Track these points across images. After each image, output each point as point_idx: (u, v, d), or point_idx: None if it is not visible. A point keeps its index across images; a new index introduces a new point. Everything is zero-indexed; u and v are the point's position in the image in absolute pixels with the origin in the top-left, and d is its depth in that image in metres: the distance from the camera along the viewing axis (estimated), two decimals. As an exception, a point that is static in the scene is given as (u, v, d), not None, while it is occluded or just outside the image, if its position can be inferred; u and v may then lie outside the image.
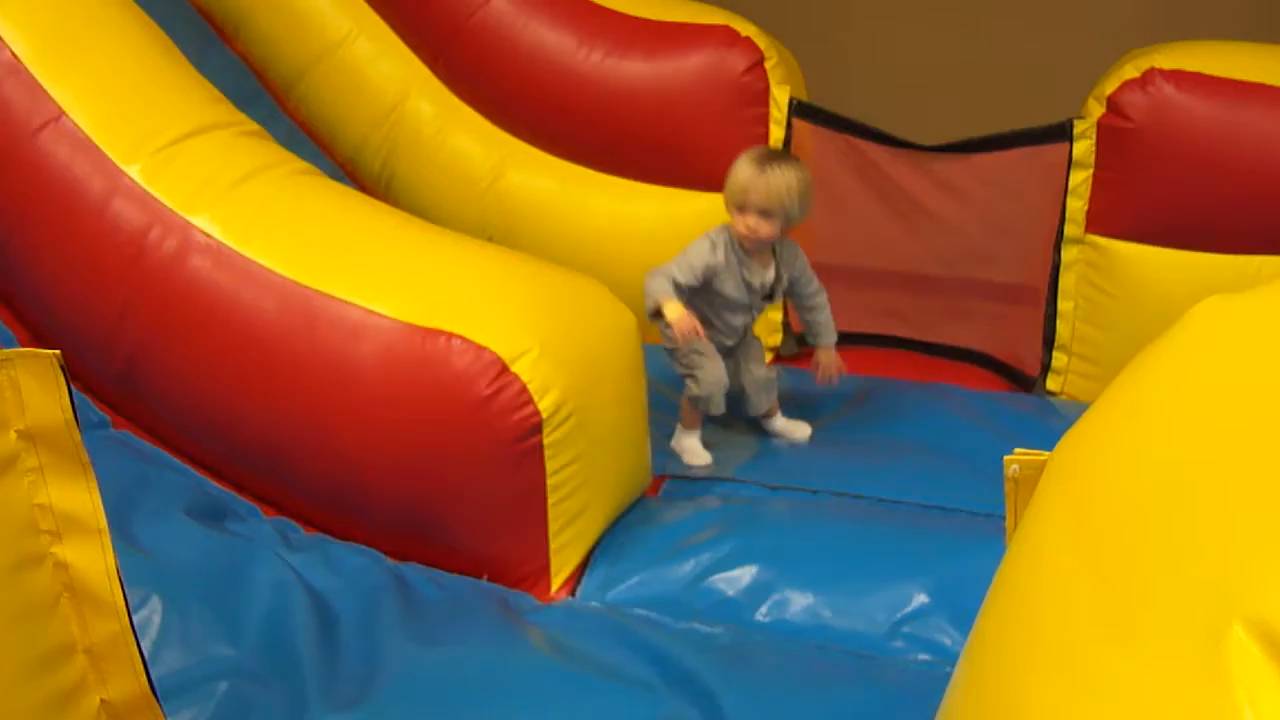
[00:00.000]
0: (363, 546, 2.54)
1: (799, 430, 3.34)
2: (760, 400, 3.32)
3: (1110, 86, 3.33)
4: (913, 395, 3.46)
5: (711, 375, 3.15)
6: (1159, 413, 1.06)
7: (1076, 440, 1.17)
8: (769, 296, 3.20)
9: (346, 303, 2.50)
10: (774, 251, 3.14)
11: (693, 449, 3.18)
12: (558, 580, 2.54)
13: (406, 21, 3.84)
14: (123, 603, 1.47)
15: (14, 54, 2.70)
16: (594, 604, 2.49)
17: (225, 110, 2.86)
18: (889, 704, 2.13)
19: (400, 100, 3.84)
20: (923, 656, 2.36)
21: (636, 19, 3.70)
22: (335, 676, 2.18)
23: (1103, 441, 1.12)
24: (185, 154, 2.68)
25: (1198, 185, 3.32)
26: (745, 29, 3.63)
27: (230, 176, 2.67)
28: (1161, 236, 3.38)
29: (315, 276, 2.54)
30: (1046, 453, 1.21)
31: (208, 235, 2.58)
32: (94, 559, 1.45)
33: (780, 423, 3.36)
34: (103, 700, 1.48)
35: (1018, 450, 1.27)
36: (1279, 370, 0.98)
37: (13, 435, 1.37)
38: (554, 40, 3.69)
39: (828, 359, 3.26)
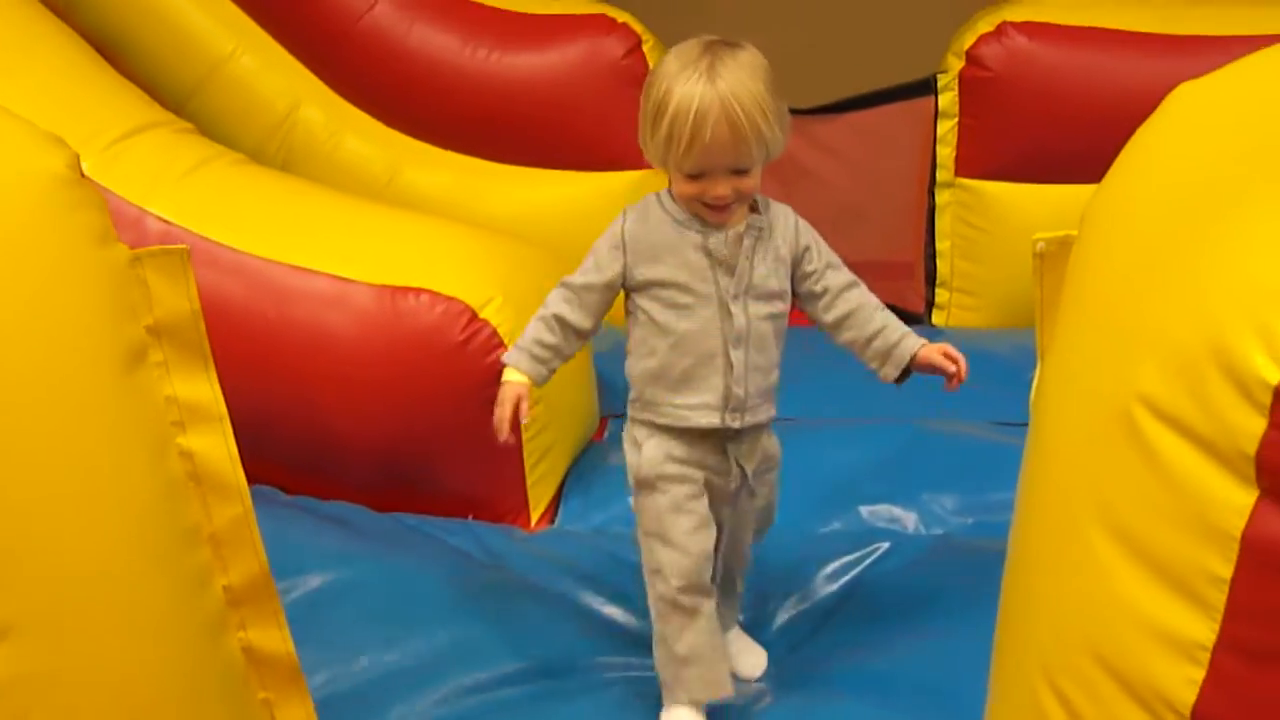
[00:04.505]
0: (347, 503, 2.67)
1: (752, 661, 2.27)
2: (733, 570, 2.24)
3: (967, 41, 3.65)
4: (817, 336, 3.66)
5: (675, 536, 2.02)
6: (1137, 191, 1.30)
7: (1089, 214, 1.39)
8: (761, 296, 2.00)
9: (313, 273, 2.64)
10: (756, 209, 2.03)
11: None
12: (536, 512, 2.71)
13: (290, 33, 3.95)
14: (245, 484, 1.60)
15: (-49, 64, 2.78)
16: (578, 528, 2.66)
17: (158, 110, 2.99)
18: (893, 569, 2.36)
19: (291, 109, 3.95)
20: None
21: (517, 14, 3.87)
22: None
23: (1098, 219, 1.35)
24: (131, 150, 2.79)
25: (1053, 124, 3.64)
26: (620, 16, 3.84)
27: (179, 168, 2.79)
28: (1025, 173, 3.69)
29: (279, 251, 2.67)
30: (1073, 232, 1.42)
31: (166, 222, 2.68)
32: (217, 445, 1.57)
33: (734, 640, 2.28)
34: (225, 586, 1.59)
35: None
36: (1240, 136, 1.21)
37: (142, 329, 1.49)
38: (439, 41, 3.84)
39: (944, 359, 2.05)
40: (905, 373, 2.07)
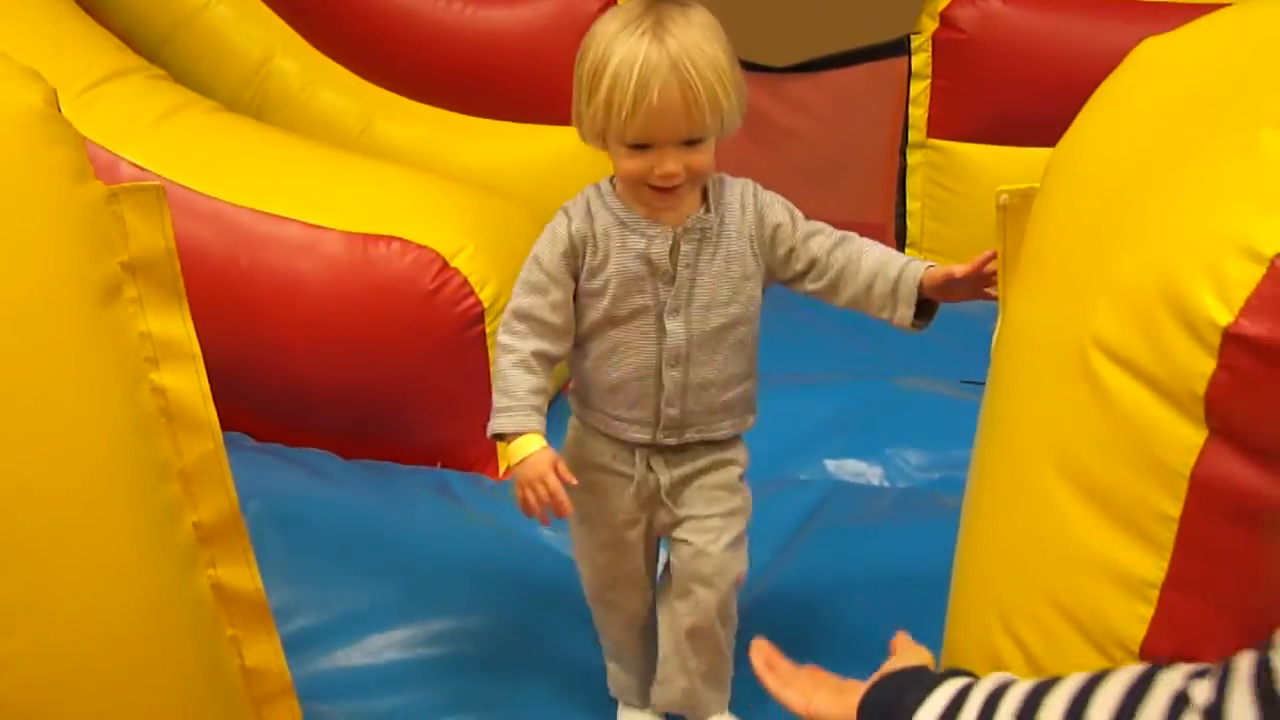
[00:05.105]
0: (316, 450, 2.69)
1: None
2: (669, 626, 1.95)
3: (942, 3, 3.67)
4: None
5: (588, 557, 1.97)
6: (1099, 142, 1.33)
7: (1052, 166, 1.42)
8: (707, 307, 1.76)
9: (285, 219, 2.65)
10: (706, 201, 1.77)
11: None
12: (505, 462, 2.73)
13: (266, -17, 3.95)
14: (216, 422, 1.61)
15: (-80, 13, 2.77)
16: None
17: (132, 56, 2.99)
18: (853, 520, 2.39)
19: (266, 60, 3.93)
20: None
21: (492, -33, 3.88)
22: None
23: (1060, 171, 1.38)
24: (105, 96, 2.79)
25: (1026, 87, 3.66)
26: (596, -29, 3.84)
27: (152, 114, 2.80)
28: (996, 136, 3.71)
29: (251, 198, 2.68)
30: (1034, 185, 1.45)
31: (139, 168, 2.69)
32: (189, 382, 1.59)
33: None
34: (194, 523, 1.60)
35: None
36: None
37: (117, 266, 1.50)
38: (414, -7, 3.85)
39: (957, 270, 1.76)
40: (926, 308, 1.78)
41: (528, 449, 1.77)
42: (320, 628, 2.13)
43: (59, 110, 1.43)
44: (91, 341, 1.44)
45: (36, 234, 1.38)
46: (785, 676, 1.44)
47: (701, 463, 1.86)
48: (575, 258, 1.77)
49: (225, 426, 2.78)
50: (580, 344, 1.83)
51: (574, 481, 1.74)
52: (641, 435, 1.83)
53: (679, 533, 1.88)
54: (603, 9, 3.76)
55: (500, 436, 1.82)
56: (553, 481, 1.73)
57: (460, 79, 3.87)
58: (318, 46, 3.96)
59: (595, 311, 1.78)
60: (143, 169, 2.67)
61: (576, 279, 1.77)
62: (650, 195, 1.71)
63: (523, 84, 3.82)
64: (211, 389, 2.70)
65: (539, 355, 1.79)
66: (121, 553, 1.45)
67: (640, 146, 1.66)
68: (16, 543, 1.32)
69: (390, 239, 2.60)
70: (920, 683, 1.22)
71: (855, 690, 1.31)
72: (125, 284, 1.51)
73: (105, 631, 1.41)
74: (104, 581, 1.41)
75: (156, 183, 1.51)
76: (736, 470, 1.90)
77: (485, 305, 2.60)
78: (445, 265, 2.59)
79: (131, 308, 1.52)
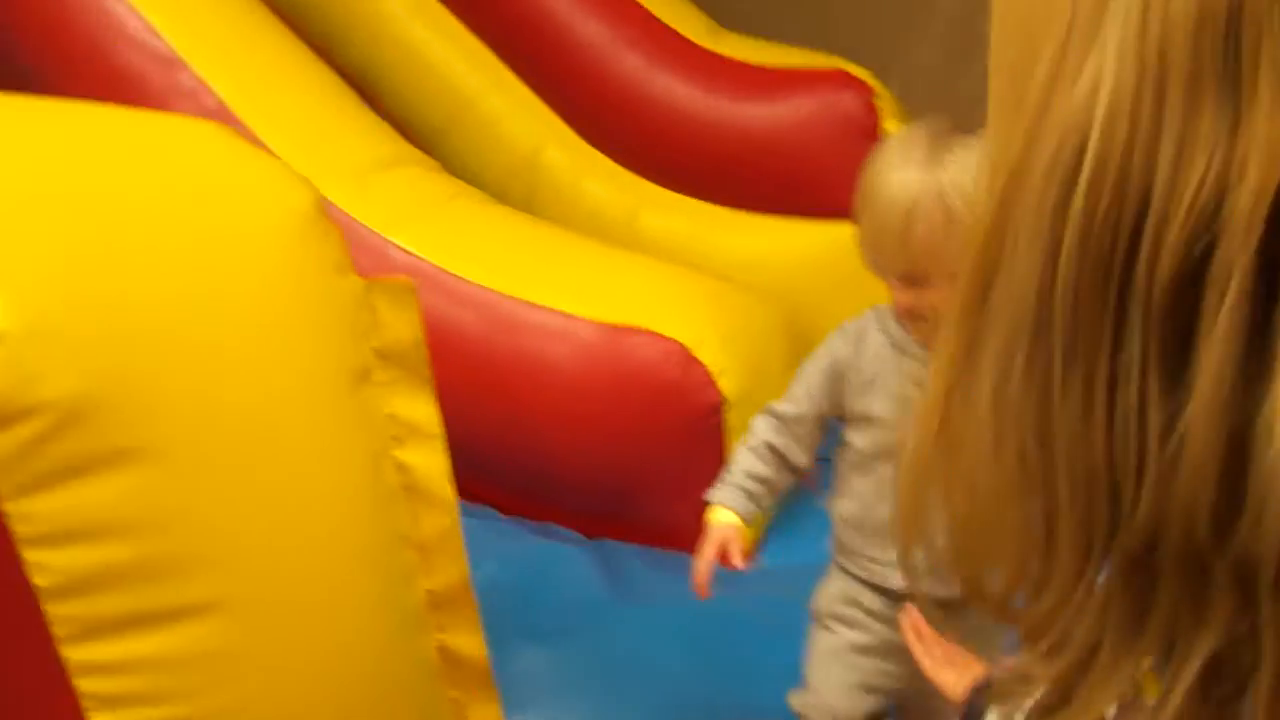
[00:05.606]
0: (557, 526, 2.82)
1: None
2: None
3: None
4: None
5: (821, 684, 1.87)
6: None
7: None
8: None
9: (544, 308, 2.80)
10: None
11: None
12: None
13: (538, 76, 4.14)
14: (454, 499, 1.73)
15: (218, 97, 3.00)
16: (782, 565, 2.75)
17: (408, 147, 3.19)
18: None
19: (536, 151, 4.12)
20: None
21: (755, 67, 3.99)
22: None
23: None
24: (380, 184, 2.98)
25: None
26: (857, 72, 3.92)
27: (423, 203, 2.98)
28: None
29: (510, 286, 2.84)
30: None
31: (407, 253, 2.87)
32: (432, 461, 1.70)
33: None
34: (427, 590, 1.73)
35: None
36: None
37: (370, 351, 1.64)
38: (682, 91, 3.98)
39: None
40: None
41: (715, 519, 1.85)
42: (541, 694, 2.22)
43: (324, 211, 1.58)
44: (343, 420, 1.57)
45: (301, 322, 1.52)
46: (928, 644, 1.52)
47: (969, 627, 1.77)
48: (836, 380, 1.75)
49: (475, 499, 2.96)
50: (843, 484, 1.81)
51: (741, 566, 1.80)
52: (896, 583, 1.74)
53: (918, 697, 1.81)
54: (863, 108, 3.85)
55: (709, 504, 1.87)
56: (710, 555, 1.81)
57: (721, 172, 3.98)
58: (585, 138, 4.13)
59: (864, 439, 1.73)
60: (411, 254, 2.86)
61: (838, 402, 1.76)
62: (925, 328, 1.65)
63: (783, 179, 3.92)
64: (464, 464, 2.86)
65: (774, 449, 1.82)
66: (353, 612, 1.57)
67: (909, 279, 1.62)
68: (251, 595, 1.44)
69: (639, 330, 2.72)
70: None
71: (972, 674, 1.37)
72: (376, 368, 1.65)
73: (329, 684, 1.53)
74: (333, 638, 1.52)
75: (407, 278, 1.65)
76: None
77: (724, 396, 2.69)
78: (689, 356, 2.69)
79: (381, 390, 1.65)
